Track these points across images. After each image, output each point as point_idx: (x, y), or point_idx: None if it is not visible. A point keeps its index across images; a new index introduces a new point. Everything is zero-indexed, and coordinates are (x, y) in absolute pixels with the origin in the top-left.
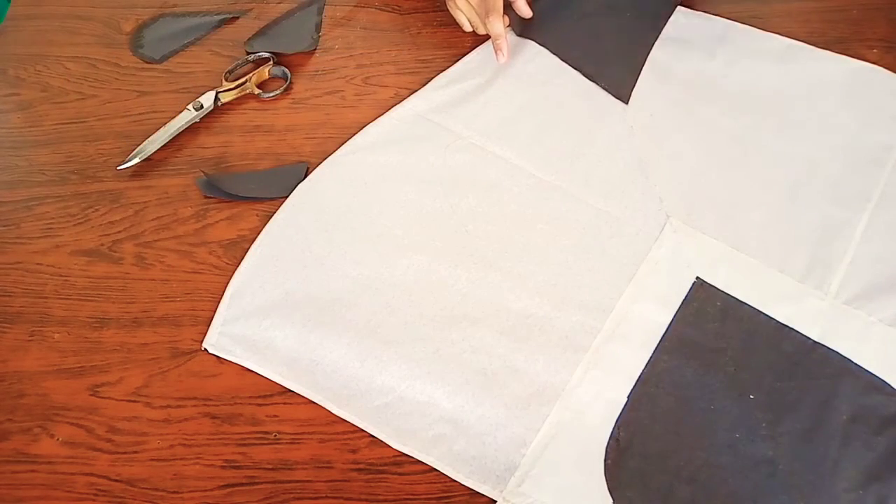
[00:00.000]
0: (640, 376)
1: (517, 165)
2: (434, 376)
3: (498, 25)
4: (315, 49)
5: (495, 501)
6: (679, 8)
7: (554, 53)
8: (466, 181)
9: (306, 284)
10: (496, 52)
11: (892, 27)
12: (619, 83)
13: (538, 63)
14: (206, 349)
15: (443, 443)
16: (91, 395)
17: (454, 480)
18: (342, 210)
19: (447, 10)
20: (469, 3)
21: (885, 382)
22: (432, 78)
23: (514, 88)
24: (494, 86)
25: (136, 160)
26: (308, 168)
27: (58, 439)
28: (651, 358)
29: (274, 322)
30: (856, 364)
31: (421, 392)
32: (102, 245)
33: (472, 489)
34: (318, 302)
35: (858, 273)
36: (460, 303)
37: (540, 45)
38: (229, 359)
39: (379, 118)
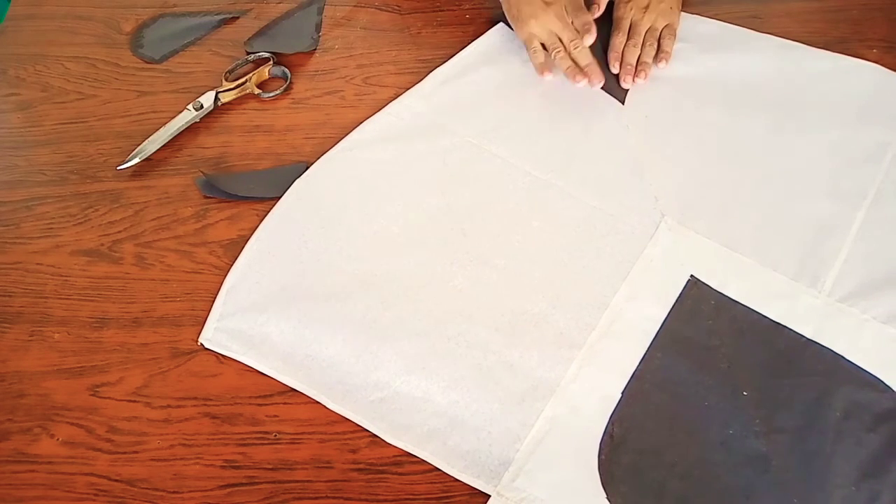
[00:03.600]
0: (634, 373)
1: (513, 163)
2: (429, 372)
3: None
4: (315, 49)
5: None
6: None
7: None
8: (462, 179)
9: (302, 280)
10: (590, 79)
11: (892, 27)
12: (616, 83)
13: None
14: (202, 344)
15: (437, 438)
16: (91, 395)
17: (454, 480)
18: (338, 206)
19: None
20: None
21: (878, 379)
22: None
23: (511, 87)
24: (491, 84)
25: (136, 160)
26: (308, 168)
27: (58, 439)
28: (645, 355)
29: (270, 317)
30: (849, 361)
31: (416, 387)
32: (102, 245)
33: (471, 488)
34: (314, 297)
35: (853, 271)
36: (456, 299)
37: None
38: (225, 354)
39: (375, 115)
